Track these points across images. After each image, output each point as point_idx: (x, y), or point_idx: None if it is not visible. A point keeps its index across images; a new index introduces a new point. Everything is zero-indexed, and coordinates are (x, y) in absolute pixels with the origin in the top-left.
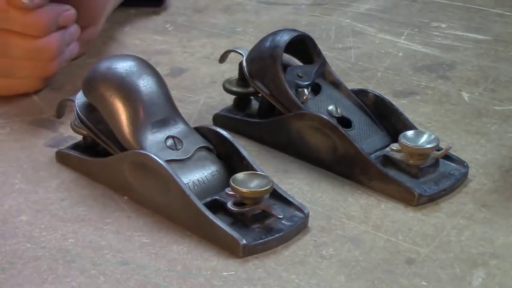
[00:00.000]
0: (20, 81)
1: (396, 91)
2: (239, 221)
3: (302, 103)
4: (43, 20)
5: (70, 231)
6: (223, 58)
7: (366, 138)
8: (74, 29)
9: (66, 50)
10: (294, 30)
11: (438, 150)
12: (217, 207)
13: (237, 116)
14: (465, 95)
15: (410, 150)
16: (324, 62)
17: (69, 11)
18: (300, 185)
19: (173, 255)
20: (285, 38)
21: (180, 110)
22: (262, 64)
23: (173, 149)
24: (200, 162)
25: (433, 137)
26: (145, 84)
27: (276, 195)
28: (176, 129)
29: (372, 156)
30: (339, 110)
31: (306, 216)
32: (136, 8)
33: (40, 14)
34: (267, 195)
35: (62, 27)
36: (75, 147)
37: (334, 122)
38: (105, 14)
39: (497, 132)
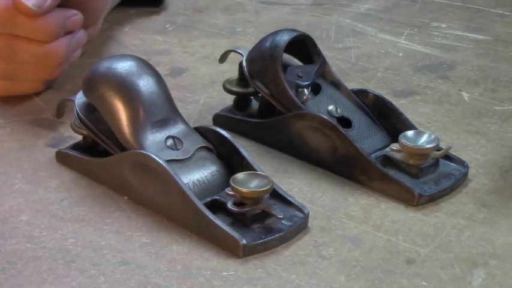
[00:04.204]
0: (23, 83)
1: (396, 91)
2: (239, 221)
3: (302, 103)
4: (51, 25)
5: (70, 231)
6: (223, 58)
7: (366, 138)
8: (81, 34)
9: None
10: (294, 30)
11: (438, 150)
12: (217, 207)
13: (237, 116)
14: (465, 95)
15: (410, 150)
16: (324, 62)
17: (76, 16)
18: (300, 185)
19: (173, 255)
20: (285, 38)
21: (180, 110)
22: (262, 64)
23: (173, 149)
24: (200, 162)
25: (433, 137)
26: (145, 84)
27: (276, 195)
28: (176, 129)
29: (372, 156)
30: (339, 110)
31: (306, 216)
32: (136, 8)
33: (48, 19)
34: (267, 195)
35: (69, 32)
36: (75, 147)
37: (334, 122)
38: (104, 14)
39: (497, 132)
